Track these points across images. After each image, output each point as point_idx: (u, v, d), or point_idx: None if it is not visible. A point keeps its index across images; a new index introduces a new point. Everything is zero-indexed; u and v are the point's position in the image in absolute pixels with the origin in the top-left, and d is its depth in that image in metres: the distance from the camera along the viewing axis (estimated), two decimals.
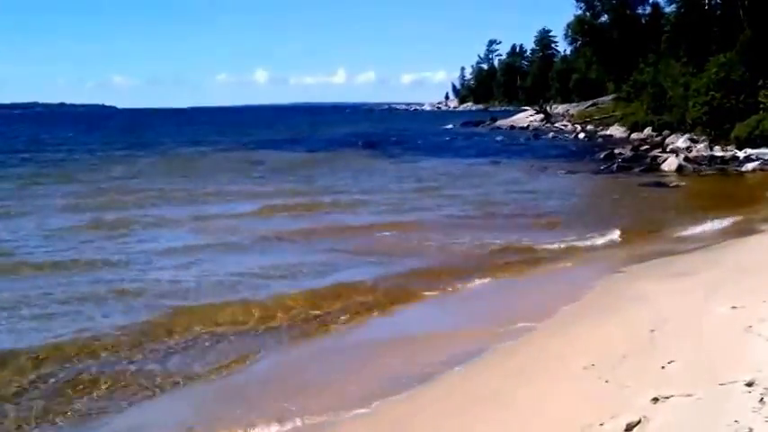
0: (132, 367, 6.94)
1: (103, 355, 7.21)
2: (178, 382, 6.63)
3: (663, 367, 5.71)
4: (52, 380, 6.61)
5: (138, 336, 7.69)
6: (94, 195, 18.93)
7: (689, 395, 4.96)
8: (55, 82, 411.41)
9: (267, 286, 9.62)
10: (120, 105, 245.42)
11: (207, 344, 7.57)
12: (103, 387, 6.47)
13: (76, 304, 8.78)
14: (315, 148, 37.54)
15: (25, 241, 12.80)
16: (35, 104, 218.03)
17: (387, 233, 13.50)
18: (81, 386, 6.49)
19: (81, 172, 25.46)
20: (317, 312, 8.56)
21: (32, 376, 6.66)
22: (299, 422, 5.71)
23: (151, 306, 8.70)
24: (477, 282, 10.01)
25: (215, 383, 6.69)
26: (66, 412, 6.03)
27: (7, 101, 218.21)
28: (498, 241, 12.52)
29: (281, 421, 5.70)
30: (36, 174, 24.73)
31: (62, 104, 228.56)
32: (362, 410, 5.89)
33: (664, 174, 23.41)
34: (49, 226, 14.19)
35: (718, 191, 20.34)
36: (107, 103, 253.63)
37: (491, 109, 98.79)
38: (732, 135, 26.98)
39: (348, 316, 8.51)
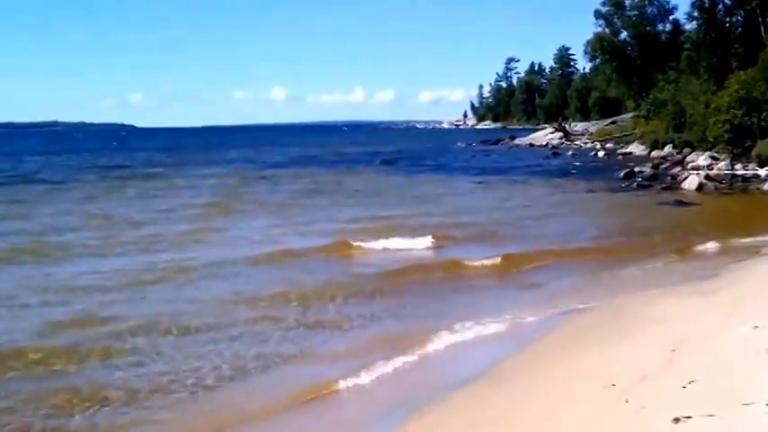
0: None
1: None
2: None
3: (684, 387, 5.67)
4: None
5: None
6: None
7: (710, 415, 4.92)
8: (74, 101, 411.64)
9: None
10: (137, 124, 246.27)
11: None
12: None
13: None
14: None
15: None
16: (56, 123, 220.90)
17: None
18: None
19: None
20: None
21: None
22: None
23: None
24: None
25: None
26: None
27: (28, 119, 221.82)
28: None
29: None
30: None
31: (82, 123, 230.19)
32: None
33: (684, 192, 23.23)
34: None
35: (740, 209, 20.13)
36: (126, 122, 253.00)
37: (510, 127, 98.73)
38: (754, 153, 26.76)
39: None
